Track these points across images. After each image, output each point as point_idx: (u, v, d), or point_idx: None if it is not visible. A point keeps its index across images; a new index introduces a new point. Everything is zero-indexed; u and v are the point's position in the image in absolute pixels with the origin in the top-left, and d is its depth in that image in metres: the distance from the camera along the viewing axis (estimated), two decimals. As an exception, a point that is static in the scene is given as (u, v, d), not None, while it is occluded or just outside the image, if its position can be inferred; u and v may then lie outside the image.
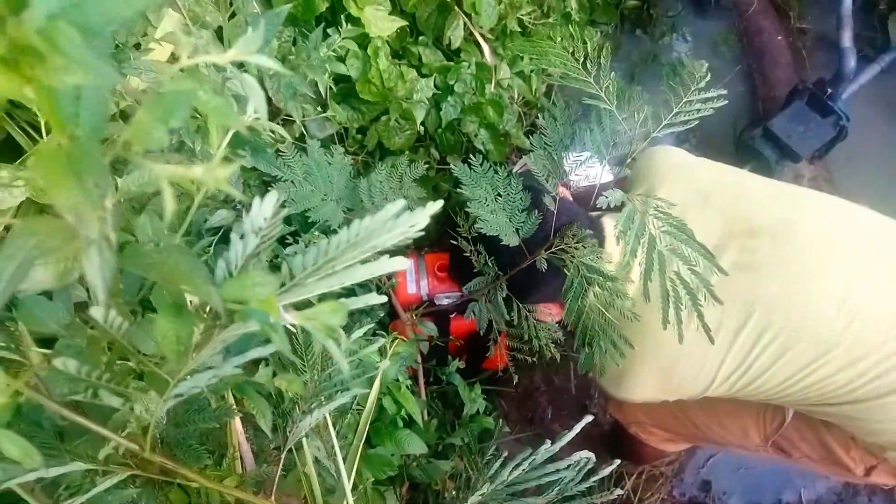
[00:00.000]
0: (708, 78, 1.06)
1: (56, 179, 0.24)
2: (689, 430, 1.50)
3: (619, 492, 0.97)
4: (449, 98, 1.73)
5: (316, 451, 0.83)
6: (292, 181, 1.29)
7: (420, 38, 1.74)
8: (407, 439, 1.21)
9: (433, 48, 1.75)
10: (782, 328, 1.06)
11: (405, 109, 1.62)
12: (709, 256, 0.96)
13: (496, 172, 1.21)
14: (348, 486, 0.81)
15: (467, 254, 1.26)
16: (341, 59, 1.47)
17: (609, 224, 1.20)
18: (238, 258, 0.40)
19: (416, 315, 1.52)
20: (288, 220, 1.39)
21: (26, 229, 0.31)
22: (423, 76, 1.69)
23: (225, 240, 1.12)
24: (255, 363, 0.78)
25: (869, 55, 2.43)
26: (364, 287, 1.35)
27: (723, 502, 2.05)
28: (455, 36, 1.74)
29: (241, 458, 0.88)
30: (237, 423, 0.87)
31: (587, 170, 1.23)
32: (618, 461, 1.00)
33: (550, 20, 2.04)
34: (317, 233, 1.25)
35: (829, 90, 2.20)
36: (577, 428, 0.91)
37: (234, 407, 0.80)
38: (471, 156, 1.23)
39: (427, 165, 1.78)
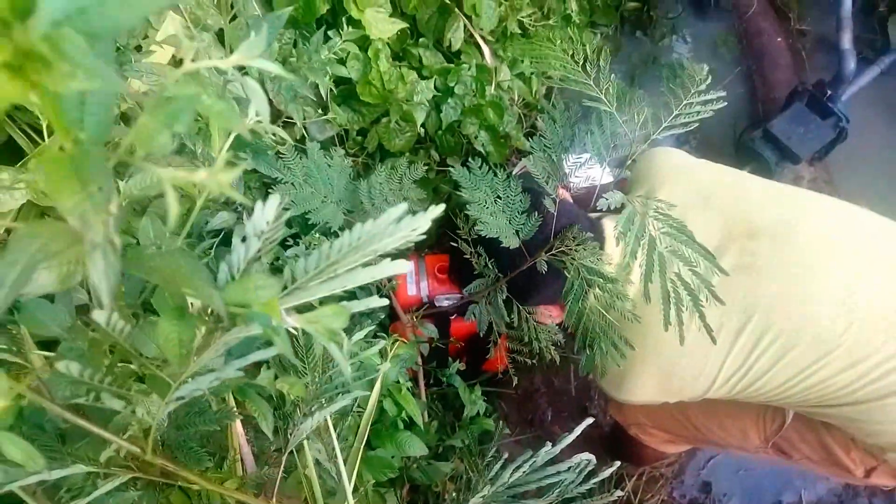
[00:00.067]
0: (708, 81, 1.07)
1: (60, 184, 0.24)
2: (690, 431, 1.50)
3: (619, 493, 0.97)
4: (449, 100, 1.73)
5: (317, 453, 0.83)
6: (292, 183, 1.29)
7: (420, 39, 1.74)
8: (407, 441, 1.21)
9: (433, 50, 1.75)
10: (783, 330, 1.06)
11: (405, 111, 1.62)
12: (709, 257, 0.96)
13: (495, 175, 1.21)
14: (349, 489, 0.81)
15: (467, 256, 1.26)
16: (342, 62, 1.47)
17: (609, 225, 1.20)
18: (240, 261, 0.40)
19: (416, 317, 1.52)
20: (288, 223, 1.39)
21: (30, 233, 0.31)
22: (424, 78, 1.69)
23: (226, 242, 1.12)
24: (256, 365, 0.78)
25: (869, 57, 2.43)
26: (364, 289, 1.35)
27: (723, 504, 2.05)
28: (455, 38, 1.75)
29: (242, 460, 0.88)
30: (238, 425, 0.87)
31: (587, 171, 1.24)
32: (618, 463, 1.00)
33: (551, 22, 2.05)
34: (317, 235, 1.25)
35: (829, 92, 2.20)
36: (578, 430, 0.92)
37: (235, 409, 0.81)
38: (470, 159, 1.23)
39: (427, 167, 1.78)
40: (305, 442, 0.80)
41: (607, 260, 1.15)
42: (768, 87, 2.54)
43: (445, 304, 1.58)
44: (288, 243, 1.27)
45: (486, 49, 1.88)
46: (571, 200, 1.26)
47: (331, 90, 1.52)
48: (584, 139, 1.18)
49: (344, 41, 1.34)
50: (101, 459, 0.58)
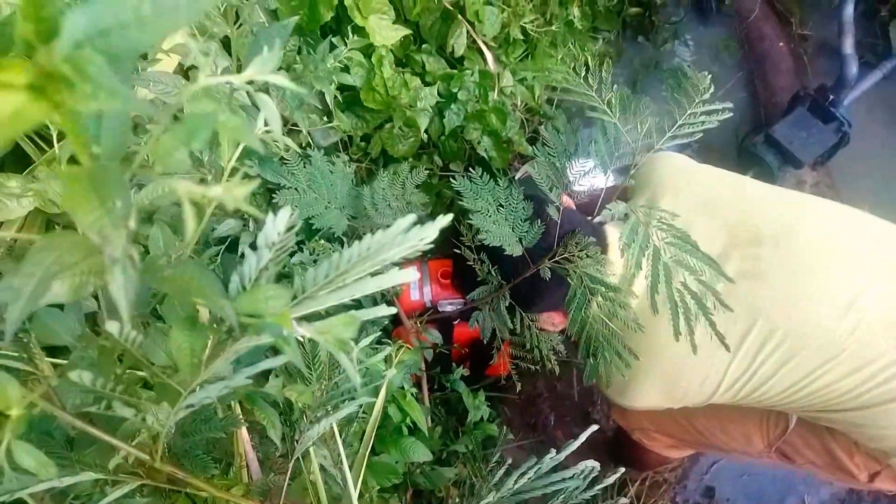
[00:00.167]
0: (712, 90, 1.07)
1: (79, 199, 0.25)
2: (693, 436, 1.50)
3: (623, 501, 0.97)
4: (452, 106, 1.74)
5: (322, 459, 0.83)
6: (296, 189, 1.30)
7: (424, 46, 1.75)
8: (412, 447, 1.21)
9: (437, 56, 1.76)
10: (787, 335, 1.06)
11: (409, 117, 1.63)
12: (714, 266, 0.96)
13: (497, 183, 1.21)
14: (355, 495, 0.81)
15: (470, 262, 1.26)
16: (346, 69, 1.48)
17: (612, 232, 1.20)
18: (252, 272, 0.41)
19: (420, 322, 1.52)
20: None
21: (46, 245, 0.31)
22: (427, 84, 1.70)
23: (231, 249, 1.12)
24: (262, 373, 0.79)
25: (870, 61, 2.44)
26: (369, 296, 1.35)
27: (726, 509, 2.05)
28: (458, 44, 1.75)
29: (248, 466, 0.88)
30: (243, 432, 0.87)
31: (591, 180, 1.24)
32: (623, 469, 1.00)
33: (553, 28, 2.05)
34: (322, 241, 1.26)
35: (831, 96, 2.21)
36: (583, 437, 0.92)
37: (241, 417, 0.81)
38: (472, 165, 1.24)
39: (430, 172, 1.78)
40: (311, 448, 0.80)
41: (610, 266, 1.15)
42: (770, 92, 2.55)
43: (449, 309, 1.58)
44: (293, 249, 1.28)
45: (488, 55, 1.88)
46: (574, 208, 1.26)
47: (335, 97, 1.53)
48: (588, 147, 1.18)
49: (349, 49, 1.35)
50: (109, 467, 0.59)
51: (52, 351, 0.66)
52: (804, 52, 2.71)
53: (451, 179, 1.60)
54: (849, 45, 2.21)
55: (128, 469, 0.63)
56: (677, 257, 0.98)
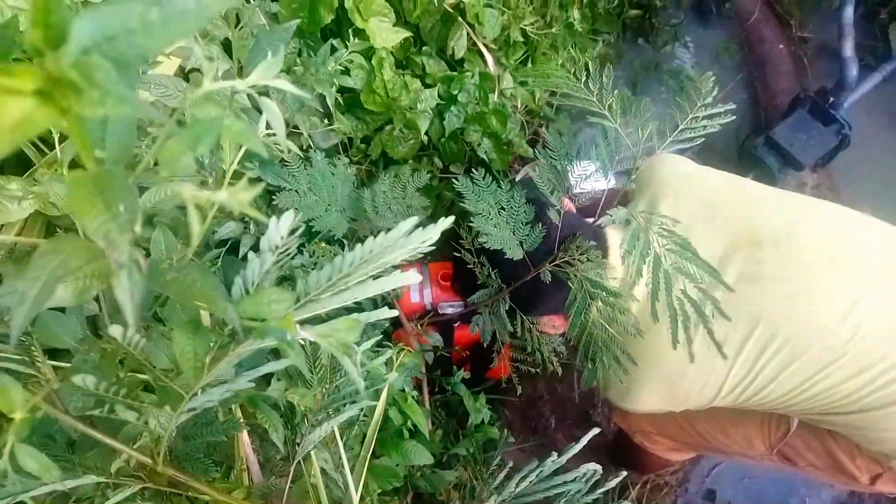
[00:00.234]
0: (715, 93, 1.06)
1: (85, 204, 0.25)
2: (694, 438, 1.49)
3: (625, 503, 0.97)
4: (452, 108, 1.74)
5: (323, 462, 0.83)
6: (297, 191, 1.30)
7: (424, 48, 1.75)
8: (413, 450, 1.21)
9: (437, 58, 1.76)
10: (788, 338, 1.06)
11: (409, 119, 1.63)
12: (714, 273, 0.96)
13: (499, 186, 1.21)
14: (356, 498, 0.81)
15: (470, 266, 1.26)
16: (346, 72, 1.48)
17: (613, 235, 1.20)
18: (255, 275, 0.41)
19: (421, 325, 1.52)
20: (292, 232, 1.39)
21: (51, 248, 0.31)
22: (427, 86, 1.70)
23: (232, 251, 1.12)
24: (263, 377, 0.78)
25: (870, 64, 2.45)
26: (370, 298, 1.35)
27: (727, 512, 2.04)
28: (458, 46, 1.76)
29: (248, 469, 0.88)
30: (244, 435, 0.87)
31: (592, 184, 1.24)
32: (625, 473, 1.00)
33: (553, 30, 2.06)
34: (322, 244, 1.26)
35: (831, 99, 2.21)
36: (584, 440, 0.92)
37: (242, 420, 0.81)
38: (473, 166, 1.24)
39: (430, 174, 1.78)
40: (312, 451, 0.80)
41: (611, 269, 1.15)
42: (770, 95, 2.55)
43: (449, 311, 1.58)
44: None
45: (488, 57, 1.89)
46: (575, 211, 1.26)
47: (336, 99, 1.53)
48: (589, 150, 1.18)
49: (350, 52, 1.35)
50: (111, 470, 0.59)
51: (51, 354, 0.66)
52: (804, 55, 2.71)
53: (451, 181, 1.60)
54: (849, 48, 2.21)
55: (129, 472, 0.63)
56: (677, 264, 0.97)
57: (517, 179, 1.98)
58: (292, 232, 0.43)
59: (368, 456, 0.87)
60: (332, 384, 0.78)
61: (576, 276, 1.11)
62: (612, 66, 1.26)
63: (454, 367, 1.61)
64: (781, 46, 2.64)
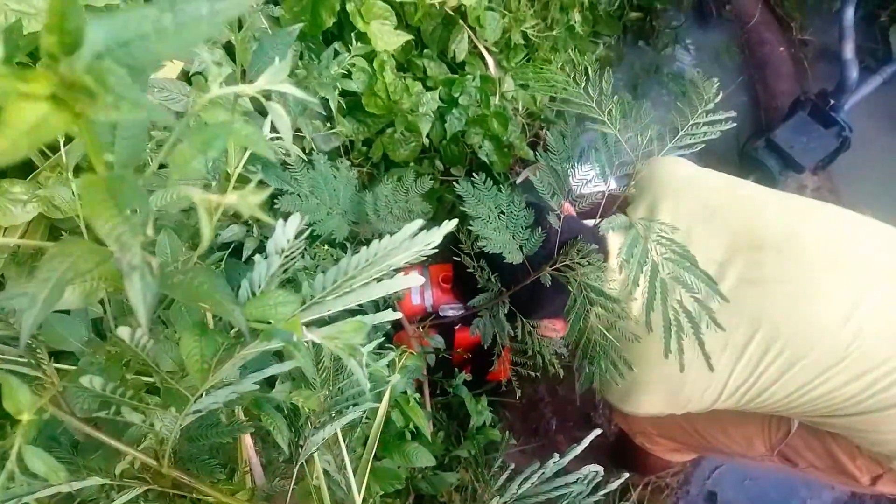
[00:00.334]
0: (718, 98, 1.06)
1: (97, 207, 0.25)
2: (695, 440, 1.50)
3: (627, 505, 0.97)
4: (454, 110, 1.74)
5: (326, 464, 0.83)
6: (298, 194, 1.30)
7: (425, 51, 1.76)
8: (415, 452, 1.21)
9: (438, 61, 1.77)
10: (789, 341, 1.06)
11: (410, 122, 1.64)
12: (711, 284, 0.96)
13: (500, 189, 1.21)
14: (358, 500, 0.81)
15: (470, 270, 1.26)
16: (348, 75, 1.48)
17: (613, 239, 1.20)
18: (261, 278, 0.41)
19: (422, 327, 1.52)
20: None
21: (61, 251, 0.31)
22: (429, 89, 1.70)
23: (235, 254, 1.12)
24: (267, 379, 0.79)
25: (871, 66, 2.44)
26: (372, 301, 1.35)
27: (728, 513, 2.04)
28: (460, 49, 1.76)
29: (251, 471, 0.88)
30: (247, 437, 0.87)
31: (592, 188, 1.24)
32: (626, 475, 1.00)
33: (554, 33, 2.06)
34: (325, 247, 1.26)
35: (832, 101, 2.21)
36: (586, 442, 0.92)
37: (246, 422, 0.81)
38: (474, 169, 1.24)
39: (431, 177, 1.79)
40: (315, 453, 0.80)
41: (610, 273, 1.15)
42: (771, 97, 2.56)
43: (450, 314, 1.58)
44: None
45: (490, 60, 1.89)
46: (575, 215, 1.26)
47: (338, 102, 1.53)
48: (589, 154, 1.18)
49: (353, 56, 1.35)
50: (116, 472, 0.59)
51: (56, 356, 0.66)
52: (805, 57, 2.72)
53: (452, 184, 1.60)
54: (849, 50, 2.21)
55: (133, 474, 0.63)
56: (675, 273, 0.97)
57: (517, 182, 1.98)
58: (298, 235, 0.43)
59: (371, 458, 0.87)
60: (336, 386, 0.78)
61: (575, 280, 1.11)
62: (612, 68, 1.27)
63: (455, 369, 1.62)
64: (782, 49, 2.64)
